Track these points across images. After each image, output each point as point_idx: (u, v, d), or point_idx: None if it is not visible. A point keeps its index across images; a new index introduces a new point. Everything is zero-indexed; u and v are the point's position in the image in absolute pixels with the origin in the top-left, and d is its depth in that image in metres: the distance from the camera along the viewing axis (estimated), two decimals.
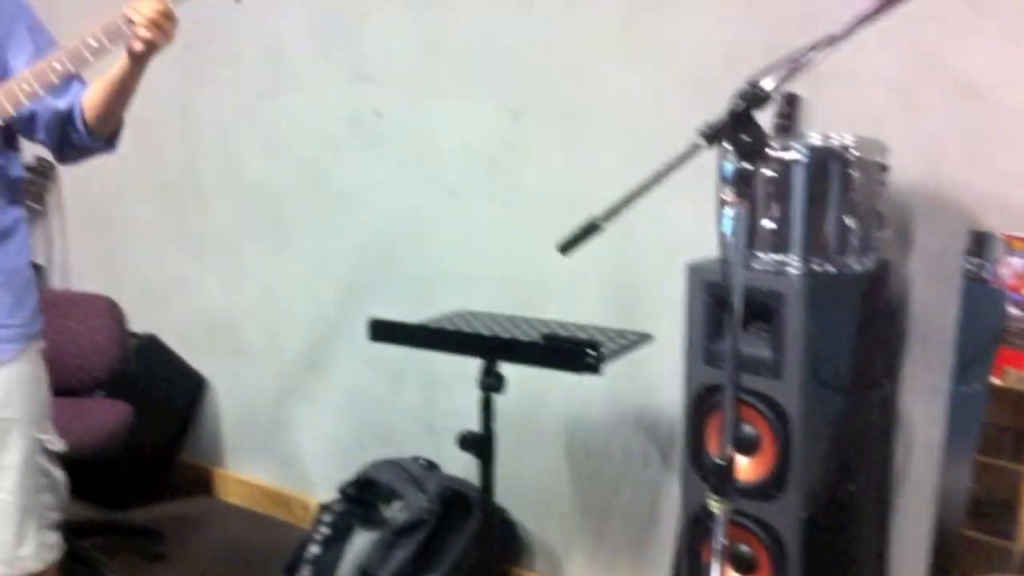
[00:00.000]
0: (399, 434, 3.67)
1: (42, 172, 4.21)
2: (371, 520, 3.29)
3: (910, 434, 2.71)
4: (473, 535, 3.24)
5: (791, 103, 2.71)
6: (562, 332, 2.61)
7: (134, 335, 3.90)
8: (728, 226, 1.93)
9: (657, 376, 3.01)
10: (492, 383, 2.54)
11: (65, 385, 3.37)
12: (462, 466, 3.23)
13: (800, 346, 2.42)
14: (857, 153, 2.43)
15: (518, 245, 3.33)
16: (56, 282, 4.52)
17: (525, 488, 3.35)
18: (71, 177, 4.28)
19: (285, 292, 3.93)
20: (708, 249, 2.56)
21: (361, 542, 3.27)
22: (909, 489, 2.73)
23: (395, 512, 3.27)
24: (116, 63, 2.29)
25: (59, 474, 2.50)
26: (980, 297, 2.45)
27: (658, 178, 1.99)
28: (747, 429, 2.49)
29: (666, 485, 3.11)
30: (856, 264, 2.47)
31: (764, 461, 2.49)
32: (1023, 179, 2.49)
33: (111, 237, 4.40)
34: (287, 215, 3.87)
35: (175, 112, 4.08)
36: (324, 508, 3.39)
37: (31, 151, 3.00)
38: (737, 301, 1.93)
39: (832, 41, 1.86)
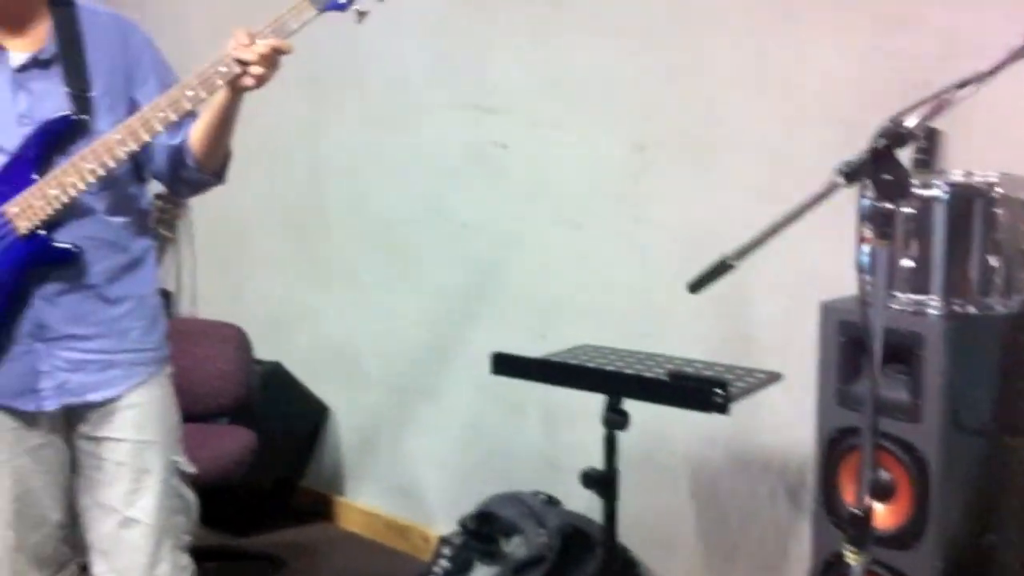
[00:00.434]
0: (519, 467, 3.64)
1: (173, 200, 4.29)
2: (490, 555, 3.26)
3: None
4: (594, 574, 3.19)
5: (931, 138, 2.62)
6: (688, 369, 2.56)
7: (259, 362, 3.94)
8: (866, 264, 1.87)
9: (785, 415, 2.93)
10: (616, 420, 2.51)
11: (191, 411, 3.41)
12: (583, 502, 3.18)
13: (940, 390, 2.33)
14: (1001, 190, 2.35)
15: (641, 279, 3.29)
16: (184, 308, 4.60)
17: (648, 526, 3.29)
18: (201, 205, 4.35)
19: (406, 322, 3.94)
20: (841, 286, 2.50)
21: None
22: None
23: (515, 547, 3.24)
24: (214, 100, 2.31)
25: (191, 497, 2.55)
26: None
27: (793, 217, 1.94)
28: (883, 475, 2.40)
29: (795, 527, 3.02)
30: (1000, 305, 2.38)
31: (901, 508, 2.41)
32: None
33: (238, 265, 4.47)
34: (409, 245, 3.88)
35: (302, 143, 4.14)
36: (444, 541, 3.37)
37: None
38: (877, 343, 1.86)
39: (981, 78, 1.78)
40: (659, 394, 2.47)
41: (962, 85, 1.79)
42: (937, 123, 2.57)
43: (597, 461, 2.52)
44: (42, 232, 2.27)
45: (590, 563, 3.21)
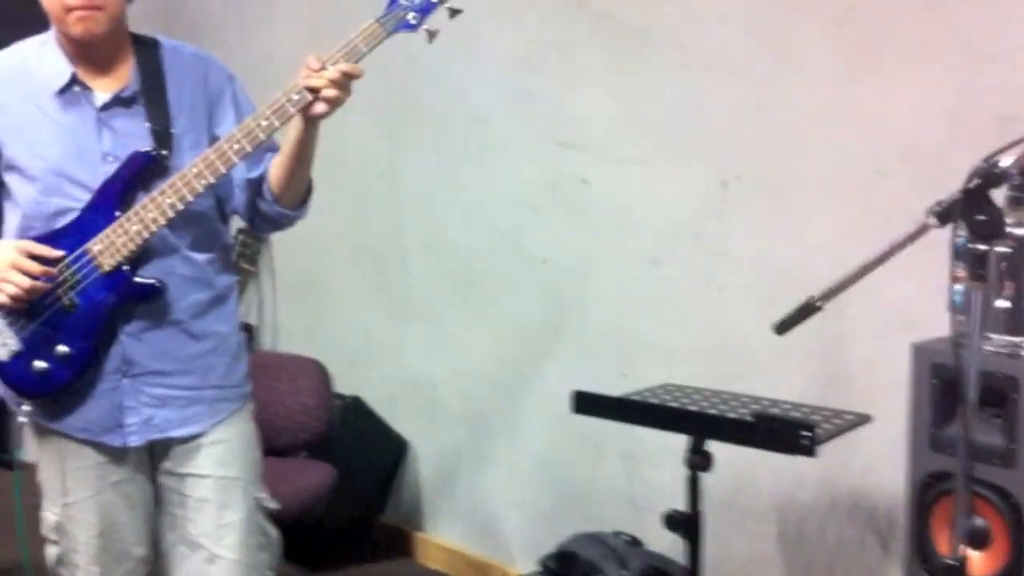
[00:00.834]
0: (600, 506, 3.59)
1: (255, 235, 4.33)
2: None
3: None
4: None
5: None
6: (774, 410, 2.51)
7: (338, 397, 3.95)
8: (959, 305, 1.82)
9: (874, 458, 2.86)
10: (699, 462, 2.47)
11: (271, 445, 3.42)
12: (666, 543, 3.12)
13: None
14: None
15: (723, 316, 3.23)
16: (266, 342, 4.63)
17: (732, 570, 3.22)
18: (281, 239, 4.38)
19: (484, 357, 3.92)
20: (933, 327, 2.44)
21: None
22: None
23: None
24: (290, 132, 2.31)
25: (274, 533, 2.56)
26: None
27: (883, 258, 1.89)
28: (978, 521, 2.32)
29: (885, 574, 2.93)
30: None
31: (996, 556, 2.32)
32: None
33: (318, 299, 4.49)
34: (487, 280, 3.87)
35: (381, 178, 4.15)
36: None
37: None
38: (971, 386, 1.80)
39: None
40: (743, 436, 2.42)
41: None
42: None
43: (680, 501, 2.47)
44: (125, 268, 2.29)
45: None
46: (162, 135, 2.33)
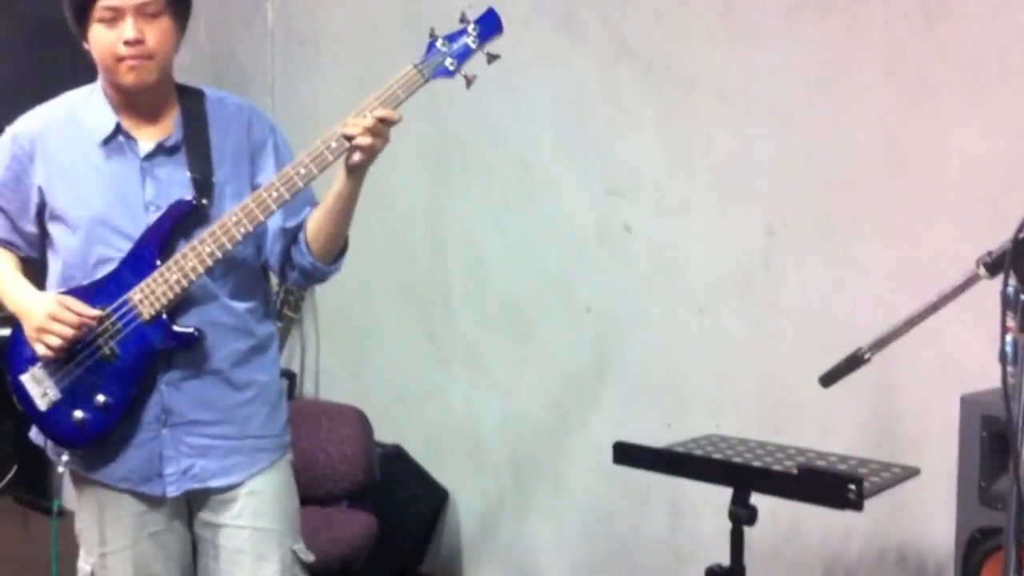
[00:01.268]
0: (643, 558, 3.54)
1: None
2: None
3: None
4: None
5: None
6: (820, 463, 2.46)
7: (380, 445, 3.93)
8: (1010, 356, 1.77)
9: (924, 512, 2.80)
10: (743, 514, 2.43)
11: (312, 494, 3.42)
12: None
13: None
14: None
15: (771, 366, 3.19)
16: (308, 389, 4.62)
17: None
18: (326, 285, 4.36)
19: (529, 404, 3.89)
20: (983, 378, 2.39)
21: None
22: None
23: None
24: (333, 185, 2.31)
25: None
26: None
27: (932, 309, 1.86)
28: None
29: None
30: None
31: None
32: None
33: (361, 345, 4.48)
34: (533, 327, 3.85)
35: (425, 222, 4.15)
36: None
37: None
38: (1022, 439, 1.75)
39: None
40: (789, 489, 2.38)
41: None
42: None
43: (724, 554, 2.43)
44: (165, 317, 2.29)
45: None
46: (203, 184, 2.34)
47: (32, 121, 2.41)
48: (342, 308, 4.51)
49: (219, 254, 2.27)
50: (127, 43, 2.25)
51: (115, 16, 2.24)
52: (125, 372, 2.31)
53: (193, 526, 2.45)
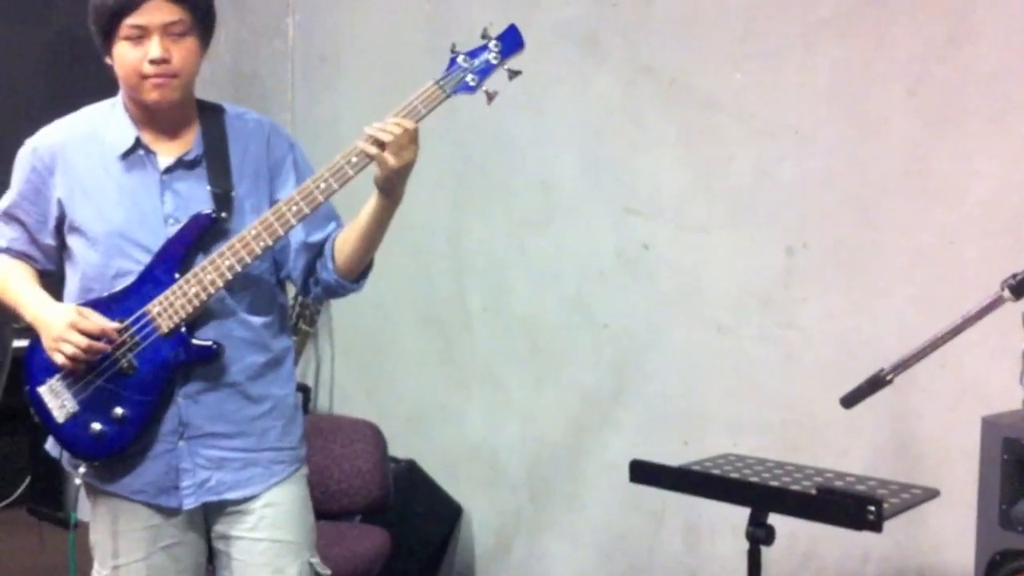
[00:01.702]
0: None
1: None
2: None
3: None
4: None
5: None
6: (839, 483, 2.45)
7: (394, 460, 3.92)
8: None
9: (943, 534, 2.78)
10: (760, 535, 2.40)
11: (326, 509, 3.41)
12: None
13: None
14: None
15: (789, 386, 3.17)
16: (323, 403, 4.62)
17: None
18: (342, 301, 4.37)
19: (546, 424, 3.88)
20: (1005, 400, 2.37)
21: None
22: None
23: None
24: (367, 205, 2.32)
25: None
26: None
27: (956, 332, 1.85)
28: None
29: None
30: None
31: None
32: None
33: (377, 361, 4.48)
34: (551, 346, 3.83)
35: (445, 241, 4.15)
36: None
37: None
38: None
39: None
40: (807, 509, 2.36)
41: None
42: None
43: (741, 575, 2.40)
44: (183, 330, 2.30)
45: None
46: (223, 198, 2.35)
47: (52, 134, 2.42)
48: (358, 323, 4.51)
49: (238, 268, 2.27)
50: (153, 62, 2.26)
51: (142, 34, 2.25)
52: (143, 385, 2.31)
53: (209, 539, 2.45)
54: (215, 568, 2.49)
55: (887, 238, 2.96)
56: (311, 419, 2.55)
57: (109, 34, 2.27)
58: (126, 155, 2.36)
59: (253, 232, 2.26)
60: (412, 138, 2.22)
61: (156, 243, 2.32)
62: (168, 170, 2.36)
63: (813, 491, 2.37)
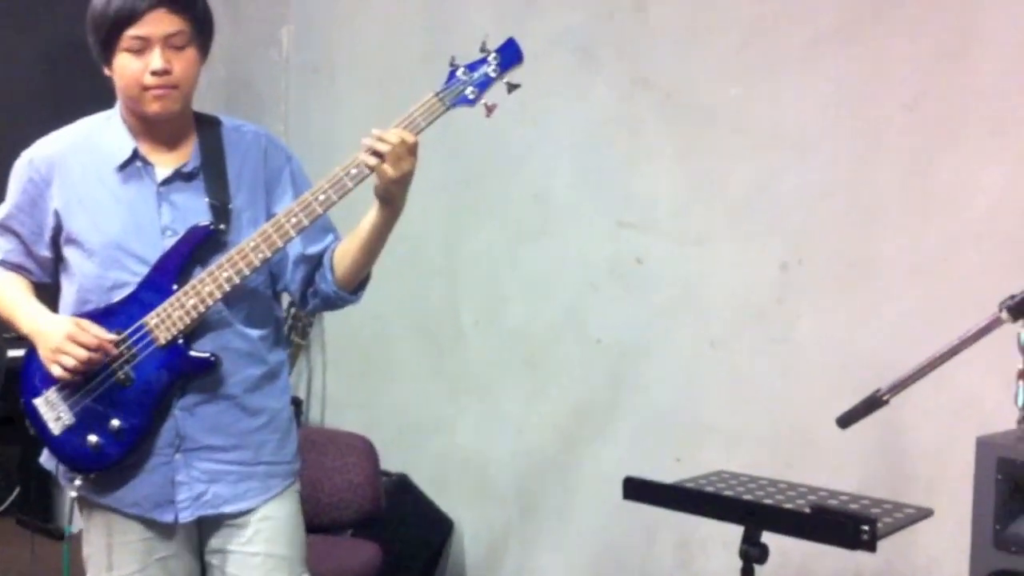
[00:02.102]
0: None
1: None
2: None
3: None
4: None
5: None
6: (833, 502, 2.44)
7: (386, 474, 3.91)
8: None
9: (936, 554, 2.78)
10: (754, 553, 2.40)
11: (317, 522, 3.39)
12: None
13: None
14: None
15: (783, 402, 3.18)
16: (314, 416, 4.61)
17: None
18: (335, 313, 4.37)
19: (538, 437, 3.87)
20: (999, 419, 2.37)
21: None
22: None
23: None
24: (367, 217, 2.32)
25: None
26: None
27: (953, 352, 1.85)
28: None
29: None
30: None
31: None
32: None
33: (369, 373, 4.47)
34: (544, 359, 3.83)
35: (438, 253, 4.15)
36: None
37: None
38: None
39: None
40: (800, 528, 2.35)
41: None
42: None
43: None
44: (181, 342, 2.29)
45: None
46: (220, 210, 2.34)
47: (49, 145, 2.41)
48: (350, 336, 4.50)
49: (236, 279, 2.26)
50: (154, 73, 2.26)
51: (143, 46, 2.25)
52: (140, 397, 2.30)
53: (203, 553, 2.44)
54: None
55: (885, 252, 2.97)
56: (303, 432, 2.55)
57: (109, 45, 2.27)
58: (123, 166, 2.35)
59: (252, 244, 2.26)
60: (411, 149, 2.22)
61: (153, 255, 2.32)
62: (165, 182, 2.36)
63: (807, 510, 2.36)
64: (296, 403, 4.38)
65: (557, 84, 3.64)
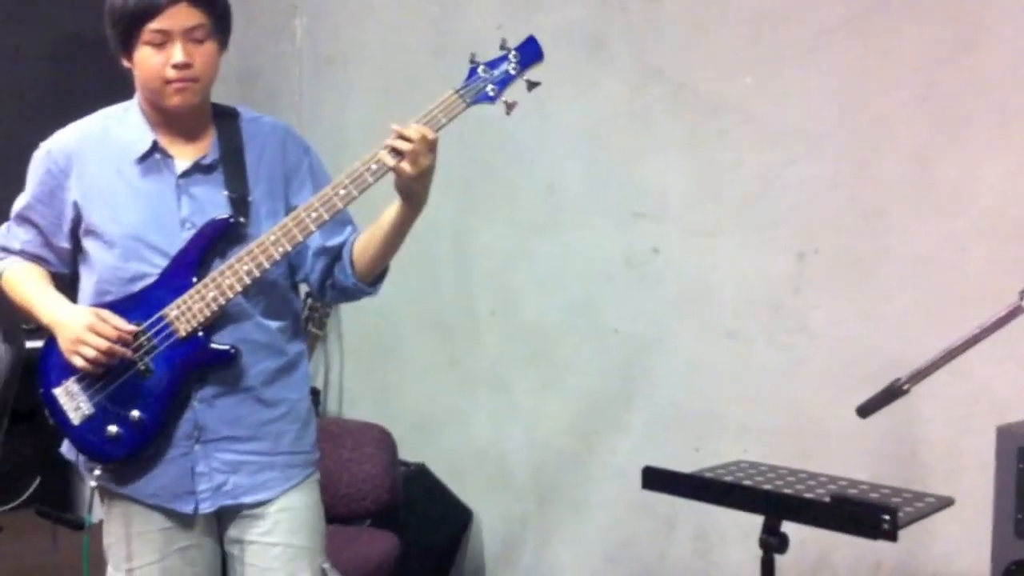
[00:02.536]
0: None
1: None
2: None
3: None
4: None
5: None
6: (853, 492, 2.44)
7: (404, 464, 3.92)
8: None
9: (956, 543, 2.77)
10: (773, 543, 2.40)
11: (335, 513, 3.40)
12: None
13: None
14: None
15: (799, 392, 3.17)
16: (332, 407, 4.62)
17: None
18: (351, 304, 4.38)
19: (554, 427, 3.87)
20: (1020, 409, 2.37)
21: None
22: None
23: None
24: (388, 212, 2.33)
25: None
26: None
27: (973, 342, 1.84)
28: None
29: None
30: None
31: None
32: None
33: (386, 364, 4.47)
34: (559, 351, 3.83)
35: (451, 245, 4.15)
36: None
37: None
38: None
39: None
40: (821, 518, 2.35)
41: None
42: None
43: None
44: (200, 334, 2.30)
45: None
46: (239, 203, 2.35)
47: (67, 137, 2.42)
48: (368, 328, 4.50)
49: (257, 273, 2.27)
50: (176, 67, 2.26)
51: (164, 39, 2.25)
52: (160, 388, 2.31)
53: (223, 543, 2.44)
54: (227, 572, 2.48)
55: (895, 244, 2.96)
56: (320, 422, 2.56)
57: (129, 39, 2.27)
58: (143, 158, 2.36)
59: (272, 238, 2.27)
60: (430, 146, 2.23)
61: (172, 247, 2.32)
62: (185, 174, 2.36)
63: (827, 499, 2.36)
64: (314, 394, 4.39)
65: (568, 76, 3.63)
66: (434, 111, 2.24)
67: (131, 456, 2.34)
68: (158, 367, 2.30)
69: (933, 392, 2.75)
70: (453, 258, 4.17)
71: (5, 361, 3.13)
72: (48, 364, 2.38)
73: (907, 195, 2.93)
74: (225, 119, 2.43)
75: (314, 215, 2.26)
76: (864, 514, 2.25)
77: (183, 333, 2.29)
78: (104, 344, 2.26)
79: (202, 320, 2.28)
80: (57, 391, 2.36)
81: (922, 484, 2.58)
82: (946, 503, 2.42)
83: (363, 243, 2.41)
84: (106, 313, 2.30)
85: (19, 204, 2.45)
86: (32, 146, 2.46)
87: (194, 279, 2.29)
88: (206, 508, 2.38)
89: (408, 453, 4.01)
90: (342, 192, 2.25)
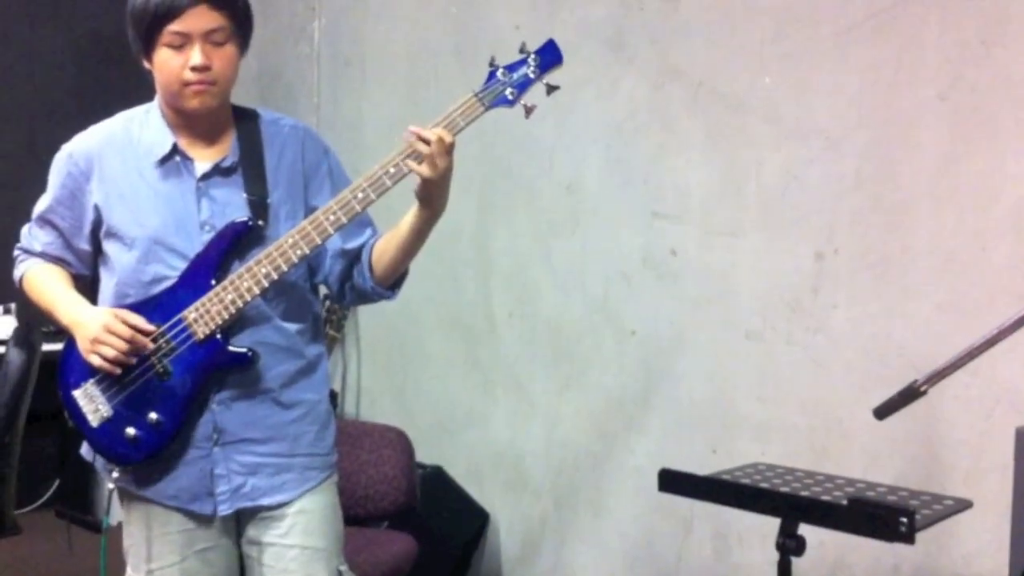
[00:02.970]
0: None
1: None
2: None
3: None
4: None
5: None
6: (871, 494, 2.43)
7: (421, 466, 3.92)
8: None
9: (976, 546, 2.75)
10: (791, 545, 2.39)
11: (352, 514, 3.41)
12: None
13: None
14: None
15: (818, 393, 3.15)
16: (349, 408, 4.63)
17: None
18: (369, 306, 4.39)
19: (572, 429, 3.87)
20: None
21: None
22: None
23: None
24: (406, 215, 2.33)
25: None
26: None
27: (992, 342, 1.83)
28: None
29: None
30: None
31: None
32: None
33: (404, 366, 4.48)
34: (577, 351, 3.83)
35: (470, 245, 4.15)
36: None
37: None
38: None
39: None
40: (838, 520, 2.33)
41: None
42: None
43: None
44: (219, 337, 2.30)
45: None
46: (259, 205, 2.35)
47: (88, 139, 2.43)
48: (385, 328, 4.51)
49: (275, 275, 2.27)
50: (194, 69, 2.27)
51: (183, 41, 2.26)
52: (178, 391, 2.32)
53: (241, 544, 2.45)
54: (245, 573, 2.49)
55: (917, 243, 2.94)
56: (338, 424, 2.58)
57: (149, 40, 2.28)
58: (163, 161, 2.37)
59: (290, 241, 2.27)
60: (447, 149, 2.23)
61: (192, 249, 2.33)
62: (204, 176, 2.37)
63: (844, 502, 2.35)
64: (332, 396, 4.40)
65: (588, 75, 3.63)
66: (453, 114, 2.24)
67: (149, 458, 2.35)
68: (176, 369, 2.31)
69: (954, 393, 2.75)
70: (471, 258, 4.17)
71: (16, 365, 3.15)
72: (68, 366, 2.39)
73: (929, 193, 2.91)
74: (245, 121, 2.43)
75: (332, 218, 2.26)
76: (882, 517, 2.24)
77: (201, 336, 2.29)
78: (122, 344, 2.27)
79: (220, 323, 2.29)
80: (76, 393, 2.38)
81: (942, 485, 2.57)
82: (965, 506, 2.41)
83: (382, 247, 2.41)
84: (125, 313, 2.31)
85: (41, 206, 2.47)
86: (54, 147, 2.47)
87: (213, 282, 2.30)
88: (225, 510, 2.39)
89: (425, 454, 4.02)
90: (360, 195, 2.25)
